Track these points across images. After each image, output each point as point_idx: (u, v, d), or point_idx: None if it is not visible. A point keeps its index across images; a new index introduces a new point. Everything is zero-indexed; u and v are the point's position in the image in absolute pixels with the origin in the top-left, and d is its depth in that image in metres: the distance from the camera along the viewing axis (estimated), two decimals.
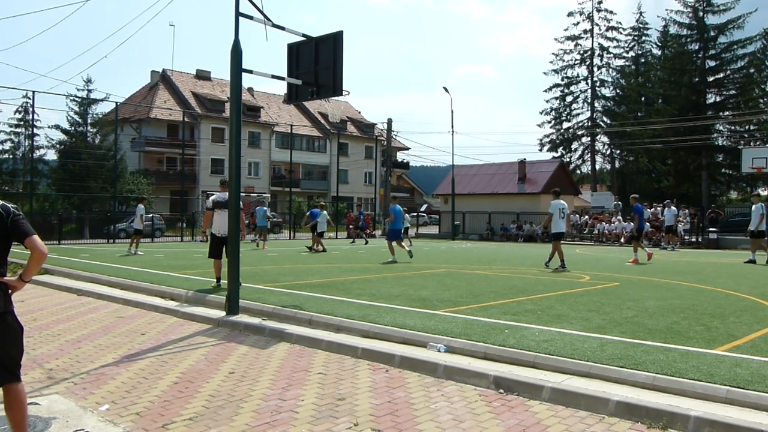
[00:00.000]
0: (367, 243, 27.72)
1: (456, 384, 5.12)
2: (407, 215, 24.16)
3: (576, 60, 57.27)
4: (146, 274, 12.14)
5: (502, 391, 4.88)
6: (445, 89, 40.05)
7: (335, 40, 8.90)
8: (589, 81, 57.13)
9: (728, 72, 50.98)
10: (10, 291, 3.51)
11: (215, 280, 10.34)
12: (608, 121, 56.87)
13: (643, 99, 55.36)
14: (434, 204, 61.93)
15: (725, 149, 51.53)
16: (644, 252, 16.99)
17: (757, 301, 8.81)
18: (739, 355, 5.33)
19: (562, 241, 15.11)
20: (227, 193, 9.58)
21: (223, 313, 8.08)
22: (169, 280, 11.10)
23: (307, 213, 23.74)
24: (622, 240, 29.86)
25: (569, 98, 58.26)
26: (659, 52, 57.11)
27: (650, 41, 58.08)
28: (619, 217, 32.13)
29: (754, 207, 17.08)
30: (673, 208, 25.13)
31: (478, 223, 37.71)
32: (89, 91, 37.43)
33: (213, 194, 10.71)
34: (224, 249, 9.94)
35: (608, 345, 5.71)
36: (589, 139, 57.56)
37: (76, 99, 37.24)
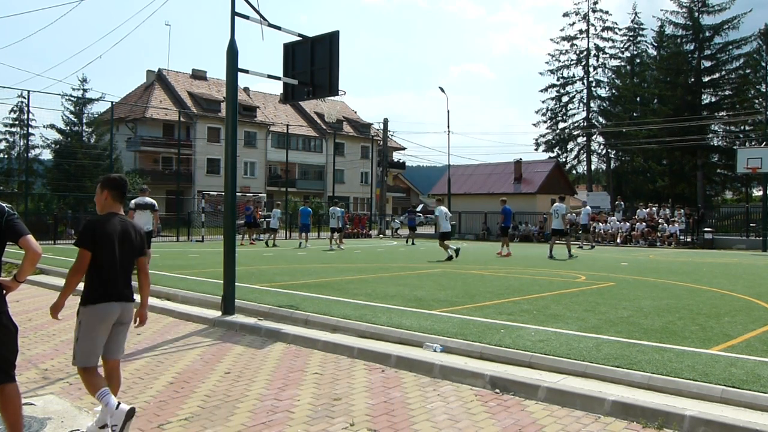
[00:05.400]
0: (413, 243, 27.67)
1: (452, 384, 5.12)
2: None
3: (572, 60, 57.44)
4: None
5: (498, 391, 4.89)
6: (441, 89, 40.09)
7: (331, 40, 8.89)
8: (585, 81, 57.29)
9: (723, 72, 51.21)
10: (4, 291, 3.50)
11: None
12: (604, 122, 57.03)
13: (638, 99, 55.52)
14: (430, 204, 62.05)
15: (720, 149, 51.76)
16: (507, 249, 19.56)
17: (753, 301, 8.84)
18: (734, 355, 5.34)
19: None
20: (146, 198, 12.52)
21: (218, 313, 8.06)
22: (165, 279, 11.07)
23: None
24: (618, 239, 29.95)
25: (565, 98, 58.41)
26: (655, 53, 57.29)
27: (646, 41, 58.31)
28: (615, 217, 32.20)
29: (555, 206, 18.72)
30: (588, 207, 25.54)
31: (474, 223, 37.70)
32: (85, 90, 37.34)
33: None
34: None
35: (604, 345, 5.72)
36: (584, 139, 57.71)
37: (72, 98, 37.13)
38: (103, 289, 3.87)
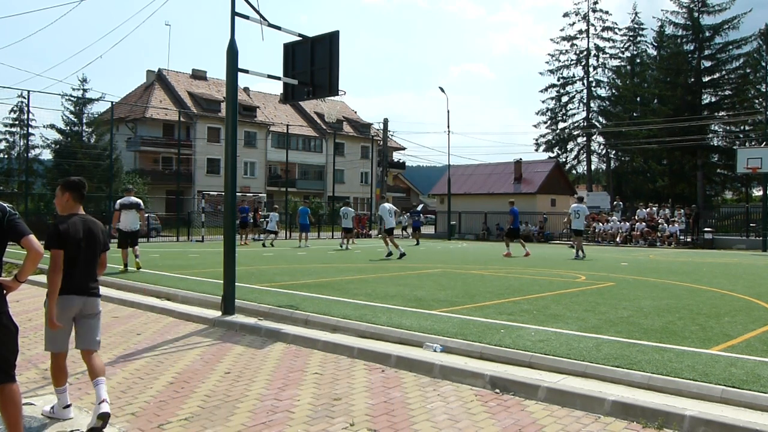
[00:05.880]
0: (417, 243, 27.90)
1: (452, 384, 5.12)
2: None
3: (572, 60, 57.39)
4: (141, 274, 12.11)
5: (498, 391, 4.89)
6: (441, 89, 40.06)
7: (331, 40, 8.89)
8: (585, 81, 57.24)
9: (723, 72, 51.26)
10: (5, 291, 3.50)
11: (123, 265, 12.62)
12: (604, 122, 57.01)
13: (638, 99, 55.50)
14: (430, 204, 62.08)
15: (720, 149, 51.79)
16: (523, 249, 19.31)
17: (753, 301, 8.84)
18: (734, 355, 5.34)
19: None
20: (131, 197, 13.18)
21: (218, 313, 8.06)
22: (165, 279, 11.08)
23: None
24: (618, 239, 29.96)
25: (565, 98, 58.37)
26: (655, 53, 57.32)
27: (646, 41, 58.31)
28: (615, 217, 32.21)
29: (577, 207, 18.89)
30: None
31: (474, 223, 37.73)
32: (85, 90, 37.38)
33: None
34: (129, 240, 12.93)
35: (604, 345, 5.72)
36: (584, 139, 57.69)
37: (72, 98, 37.16)
38: (65, 284, 4.16)
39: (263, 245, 24.25)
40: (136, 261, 12.71)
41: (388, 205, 18.41)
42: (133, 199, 13.19)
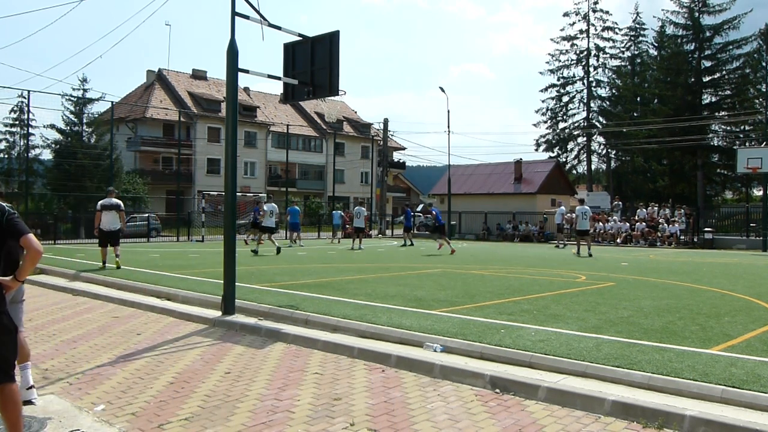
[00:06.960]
0: (412, 244, 27.55)
1: (452, 384, 5.12)
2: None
3: (572, 60, 57.37)
4: (142, 273, 12.11)
5: (498, 390, 4.89)
6: (442, 89, 40.02)
7: (331, 40, 8.89)
8: (585, 81, 57.22)
9: (724, 72, 51.26)
10: (5, 291, 3.50)
11: (102, 262, 13.32)
12: (604, 121, 56.99)
13: (638, 99, 55.48)
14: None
15: (720, 149, 51.79)
16: (448, 247, 20.20)
17: (753, 301, 8.84)
18: (734, 355, 5.34)
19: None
20: (112, 199, 13.61)
21: (219, 313, 8.06)
22: (165, 279, 11.07)
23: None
24: (618, 240, 29.95)
25: (565, 98, 58.34)
26: (655, 53, 57.28)
27: (646, 41, 58.28)
28: (615, 217, 32.20)
29: (581, 208, 20.01)
30: (562, 207, 26.06)
31: (475, 222, 37.69)
32: (85, 90, 37.28)
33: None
34: (110, 240, 13.48)
35: (604, 345, 5.72)
36: (584, 139, 57.66)
37: (72, 98, 37.09)
38: None
39: (291, 246, 24.06)
40: (116, 260, 13.17)
41: (270, 205, 19.55)
42: (114, 200, 13.68)
